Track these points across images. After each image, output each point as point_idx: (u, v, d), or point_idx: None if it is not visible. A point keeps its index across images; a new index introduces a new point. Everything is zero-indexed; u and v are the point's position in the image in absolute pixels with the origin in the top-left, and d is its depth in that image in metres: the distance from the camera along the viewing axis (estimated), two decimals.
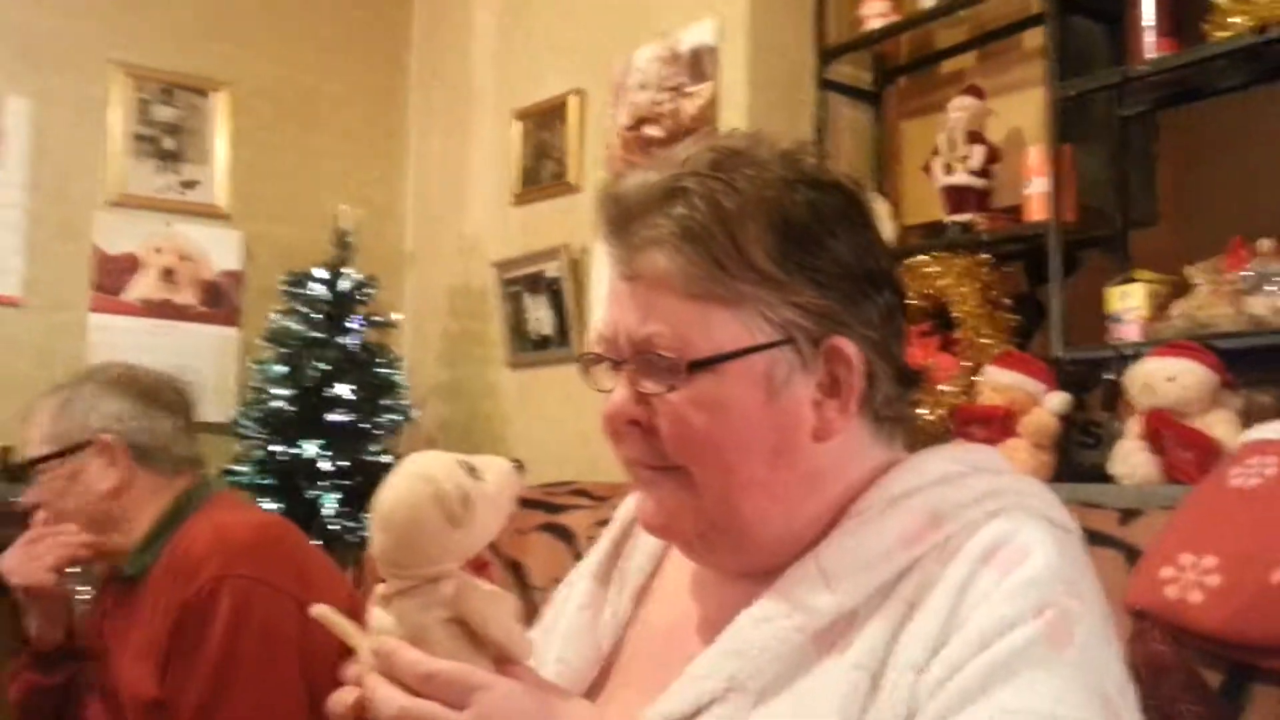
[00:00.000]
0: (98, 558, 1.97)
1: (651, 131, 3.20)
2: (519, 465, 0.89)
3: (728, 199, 0.88)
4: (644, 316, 0.90)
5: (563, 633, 1.06)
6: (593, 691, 1.02)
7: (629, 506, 1.09)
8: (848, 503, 0.92)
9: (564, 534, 2.50)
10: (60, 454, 1.90)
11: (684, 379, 0.88)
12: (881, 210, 2.79)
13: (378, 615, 0.84)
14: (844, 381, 0.91)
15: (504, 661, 0.84)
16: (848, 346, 0.90)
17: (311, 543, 2.00)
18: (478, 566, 0.87)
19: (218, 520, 1.87)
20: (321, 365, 3.42)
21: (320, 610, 0.88)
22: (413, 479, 0.83)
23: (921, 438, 0.99)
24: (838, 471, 0.93)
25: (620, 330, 0.92)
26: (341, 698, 0.85)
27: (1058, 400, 2.24)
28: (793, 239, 0.89)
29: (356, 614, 0.90)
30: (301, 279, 3.55)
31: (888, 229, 2.80)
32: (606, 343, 0.94)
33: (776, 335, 0.89)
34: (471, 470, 0.84)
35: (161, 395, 2.00)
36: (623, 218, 0.92)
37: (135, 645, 1.83)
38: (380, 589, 0.85)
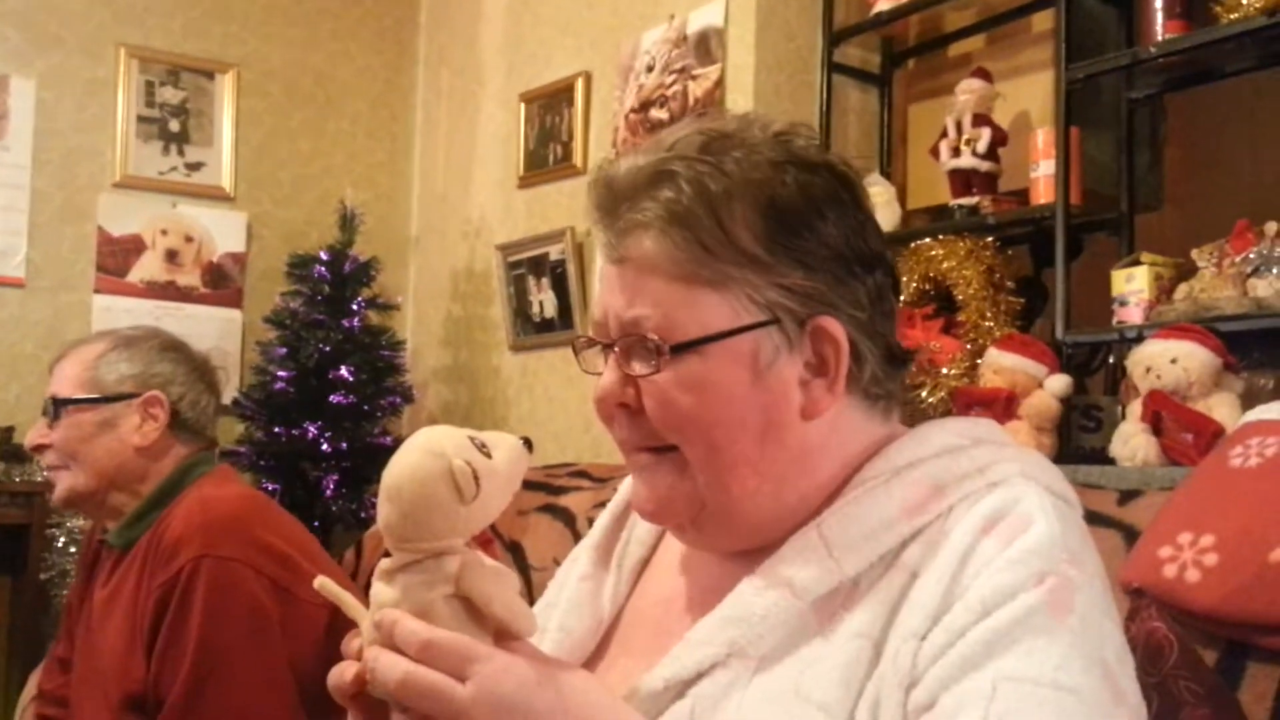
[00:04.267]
0: (96, 513, 1.98)
1: (658, 114, 3.19)
2: (528, 443, 0.89)
3: (714, 182, 0.88)
4: (631, 299, 0.90)
5: (565, 603, 1.06)
6: (593, 660, 1.03)
7: (630, 483, 1.09)
8: (846, 478, 0.93)
9: (564, 515, 2.49)
10: (102, 400, 1.91)
11: (668, 360, 0.89)
12: (886, 193, 2.77)
13: (380, 589, 0.83)
14: (830, 361, 0.91)
15: (506, 638, 0.83)
16: (834, 327, 0.90)
17: (293, 518, 1.99)
18: (482, 542, 0.86)
19: (202, 495, 1.87)
20: (324, 347, 3.42)
21: (322, 582, 0.88)
22: (423, 453, 0.82)
23: (920, 417, 0.98)
24: (830, 449, 0.93)
25: (610, 313, 0.93)
26: (342, 672, 0.84)
27: (1059, 383, 2.23)
28: (780, 221, 0.89)
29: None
30: (305, 261, 3.55)
31: (893, 212, 2.78)
32: (598, 326, 0.95)
33: (762, 316, 0.89)
34: (481, 446, 0.84)
35: (207, 372, 2.04)
36: (612, 201, 0.92)
37: (119, 627, 1.82)
38: (383, 564, 0.84)
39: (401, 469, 0.82)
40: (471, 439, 0.84)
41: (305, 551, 1.87)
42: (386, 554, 0.85)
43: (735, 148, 0.91)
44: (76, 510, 2.01)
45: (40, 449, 1.93)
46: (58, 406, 1.91)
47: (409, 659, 0.78)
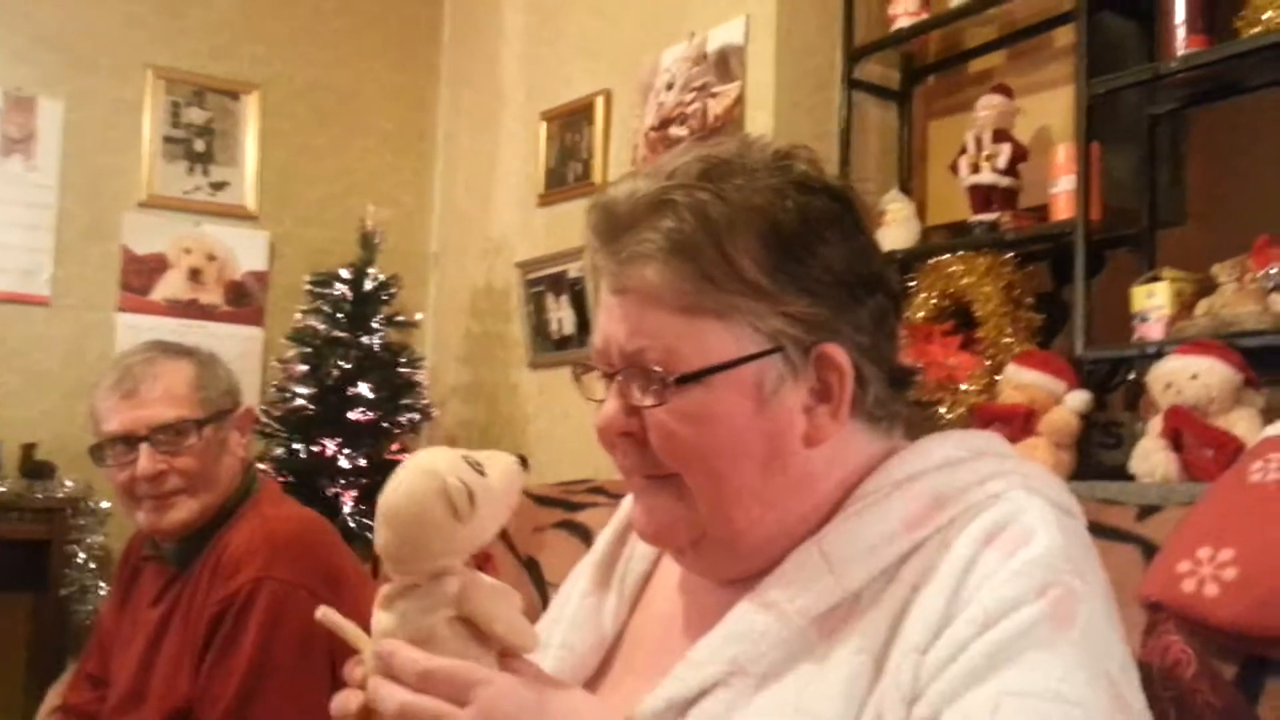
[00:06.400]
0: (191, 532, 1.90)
1: (678, 132, 3.19)
2: (523, 460, 0.89)
3: (715, 210, 0.88)
4: (633, 330, 0.90)
5: (567, 620, 1.06)
6: (596, 678, 1.02)
7: (631, 500, 1.09)
8: (845, 493, 0.92)
9: (581, 531, 2.48)
10: (223, 416, 1.90)
11: (672, 391, 0.88)
12: (905, 210, 2.76)
13: (380, 617, 0.84)
14: (835, 387, 0.90)
15: (508, 655, 0.84)
16: (838, 353, 0.89)
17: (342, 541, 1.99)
18: (480, 559, 0.86)
19: (262, 514, 1.87)
20: (344, 364, 3.43)
21: (325, 613, 0.88)
22: (418, 474, 0.83)
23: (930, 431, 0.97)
24: (830, 471, 0.92)
25: (611, 343, 0.92)
26: (345, 701, 0.85)
27: (1078, 399, 2.21)
28: (782, 248, 0.88)
29: None
30: (326, 279, 3.58)
31: (912, 228, 2.78)
32: (599, 354, 0.94)
33: (766, 345, 0.88)
34: (476, 465, 0.84)
35: None
36: (612, 230, 0.92)
37: (173, 643, 1.83)
38: (383, 590, 0.85)
39: (396, 491, 0.83)
40: (465, 458, 0.85)
41: (360, 575, 1.88)
42: (387, 579, 0.85)
43: (735, 174, 0.90)
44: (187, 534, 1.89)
45: (157, 478, 1.81)
46: (198, 427, 1.84)
47: (408, 688, 0.79)
